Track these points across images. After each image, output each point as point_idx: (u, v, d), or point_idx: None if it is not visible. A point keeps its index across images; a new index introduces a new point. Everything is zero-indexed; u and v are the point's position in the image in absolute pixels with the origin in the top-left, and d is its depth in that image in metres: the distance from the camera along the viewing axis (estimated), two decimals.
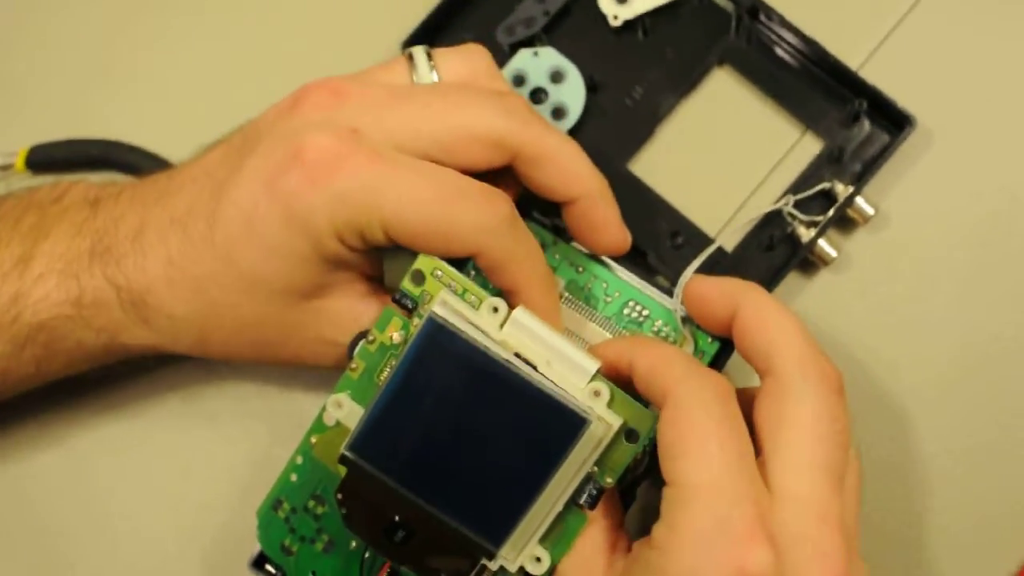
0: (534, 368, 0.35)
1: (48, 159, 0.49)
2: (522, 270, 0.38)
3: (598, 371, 0.36)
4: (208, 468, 0.45)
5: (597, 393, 0.35)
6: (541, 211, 0.43)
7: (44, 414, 0.46)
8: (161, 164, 0.48)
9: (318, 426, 0.38)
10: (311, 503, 0.39)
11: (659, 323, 0.42)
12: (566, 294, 0.42)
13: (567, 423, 0.35)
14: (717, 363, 0.41)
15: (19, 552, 0.45)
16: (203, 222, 0.39)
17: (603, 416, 0.35)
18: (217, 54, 0.50)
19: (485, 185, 0.38)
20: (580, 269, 0.43)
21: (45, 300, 0.40)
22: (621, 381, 0.37)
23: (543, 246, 0.42)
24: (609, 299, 0.42)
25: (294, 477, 0.39)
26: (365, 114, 0.38)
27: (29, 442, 0.46)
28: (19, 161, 0.49)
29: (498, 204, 0.38)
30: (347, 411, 0.37)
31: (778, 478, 0.34)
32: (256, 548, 0.39)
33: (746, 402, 0.38)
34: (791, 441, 0.34)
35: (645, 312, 0.42)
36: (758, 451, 0.35)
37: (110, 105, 0.50)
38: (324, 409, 0.38)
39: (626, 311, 0.42)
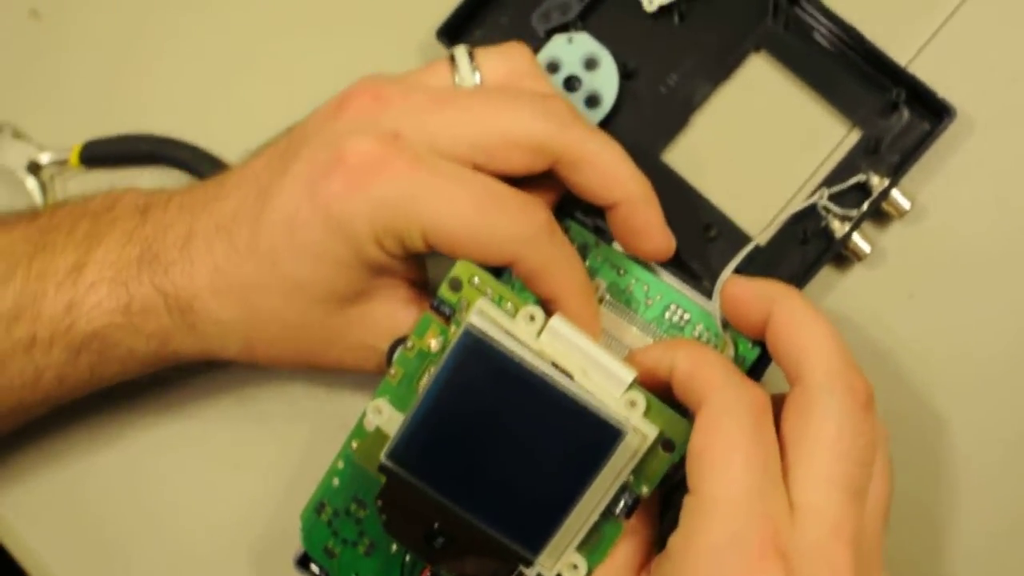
0: (570, 377, 0.36)
1: (101, 154, 0.49)
2: (560, 279, 0.38)
3: (634, 380, 0.36)
4: (258, 466, 0.46)
5: (633, 403, 0.36)
6: (583, 211, 0.43)
7: (100, 417, 0.47)
8: (212, 161, 0.48)
9: (359, 431, 0.39)
10: (353, 507, 0.40)
11: (700, 327, 0.42)
12: (607, 297, 0.42)
13: (603, 433, 0.35)
14: (757, 369, 0.41)
15: (78, 548, 0.46)
16: (247, 228, 0.39)
17: (639, 426, 0.35)
18: (262, 51, 0.50)
19: (523, 194, 0.38)
20: (622, 271, 0.43)
21: (98, 308, 0.40)
22: (659, 388, 0.37)
23: (585, 247, 0.42)
24: (650, 302, 0.42)
25: (336, 481, 0.40)
26: (407, 118, 0.38)
27: (86, 444, 0.47)
28: (73, 156, 0.49)
29: (536, 213, 0.38)
30: (387, 417, 0.38)
31: (796, 492, 0.34)
32: (300, 548, 0.40)
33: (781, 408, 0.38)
34: (811, 456, 0.35)
35: (687, 316, 0.42)
36: (782, 461, 0.35)
37: (162, 101, 0.50)
38: (364, 414, 0.38)
39: (667, 315, 0.42)
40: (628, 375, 0.36)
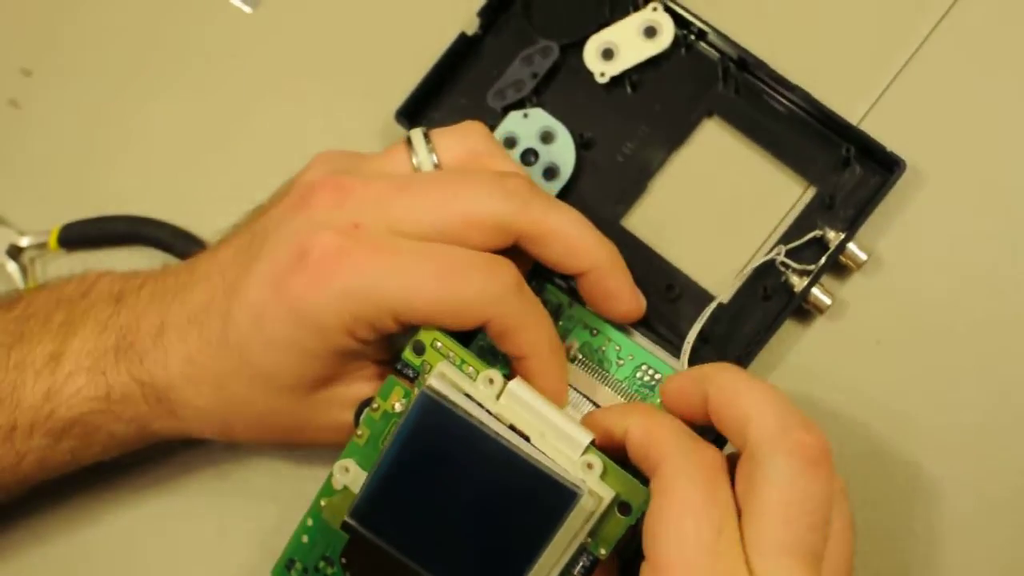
0: (527, 440, 0.36)
1: (79, 236, 0.51)
2: (530, 336, 0.39)
3: (591, 443, 0.36)
4: (239, 533, 0.47)
5: (590, 466, 0.36)
6: (561, 275, 0.44)
7: (85, 495, 0.47)
8: (187, 238, 0.49)
9: (327, 490, 0.39)
10: (321, 564, 0.40)
11: None
12: (579, 356, 0.43)
13: (559, 495, 0.35)
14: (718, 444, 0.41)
15: None
16: (218, 322, 0.40)
17: (595, 489, 0.36)
18: (229, 132, 0.52)
19: (487, 255, 0.38)
20: (595, 332, 0.43)
21: (77, 396, 0.41)
22: (618, 453, 0.37)
23: (559, 308, 0.43)
24: (622, 362, 0.43)
25: (305, 539, 0.40)
26: (367, 208, 0.39)
27: (70, 521, 0.47)
28: (52, 240, 0.51)
29: (502, 272, 0.38)
30: (353, 476, 0.39)
31: (752, 560, 0.34)
32: None
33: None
34: (761, 523, 0.34)
35: (657, 376, 0.43)
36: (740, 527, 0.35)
37: (138, 183, 0.52)
38: (332, 474, 0.39)
39: (639, 374, 0.43)
40: (585, 438, 0.36)
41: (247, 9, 0.53)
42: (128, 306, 0.42)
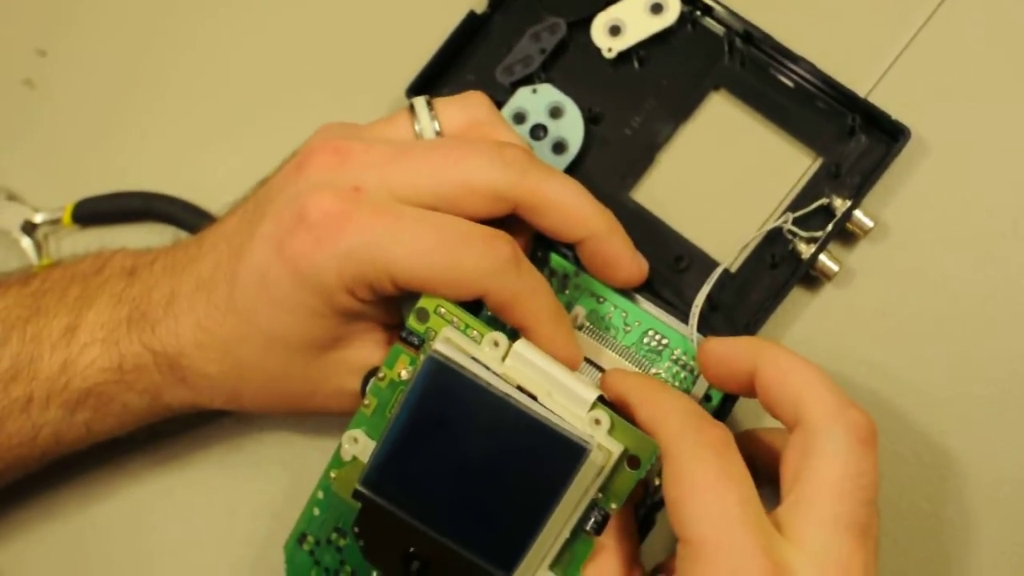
0: (535, 399, 0.37)
1: (93, 213, 0.52)
2: (529, 308, 0.39)
3: (598, 399, 0.37)
4: (250, 508, 0.47)
5: (597, 421, 0.36)
6: (563, 243, 0.44)
7: (98, 470, 0.48)
8: (200, 214, 0.50)
9: (336, 461, 0.40)
10: (334, 535, 0.41)
11: (678, 351, 0.43)
12: (587, 324, 0.44)
13: (568, 451, 0.36)
14: (727, 402, 0.42)
15: None
16: (225, 287, 0.41)
17: (603, 443, 0.36)
18: (241, 110, 0.53)
19: (487, 228, 0.39)
20: (600, 299, 0.44)
21: (91, 367, 0.42)
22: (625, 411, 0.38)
23: (565, 276, 0.44)
24: (629, 328, 0.44)
25: (316, 511, 0.41)
26: (367, 172, 0.40)
27: (83, 497, 0.48)
28: (66, 216, 0.52)
29: (500, 246, 0.39)
30: (362, 446, 0.39)
31: (799, 531, 0.34)
32: None
33: (756, 443, 0.39)
34: (816, 496, 0.35)
35: (664, 341, 0.43)
36: (781, 500, 0.36)
37: (151, 160, 0.53)
38: (341, 445, 0.39)
39: (645, 340, 0.43)
40: (591, 395, 0.37)
41: None
42: (141, 279, 0.43)
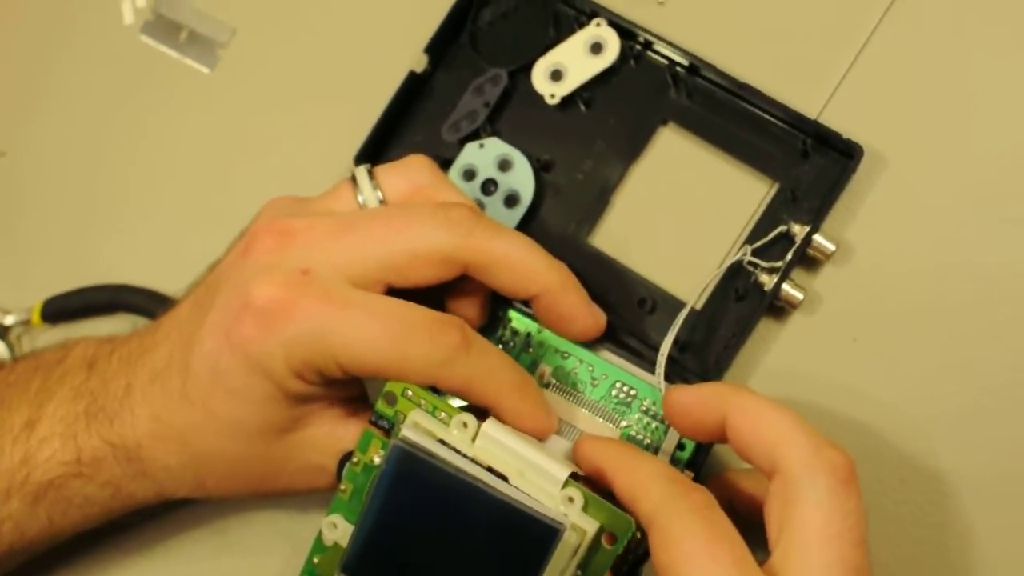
0: (506, 480, 0.36)
1: (61, 310, 0.51)
2: (487, 388, 0.39)
3: (571, 476, 0.36)
4: None
5: (571, 499, 0.36)
6: (523, 301, 0.44)
7: (86, 558, 0.48)
8: (166, 301, 0.50)
9: (318, 547, 0.40)
10: None
11: (647, 402, 0.43)
12: (553, 381, 0.43)
13: (542, 533, 0.35)
14: (701, 450, 0.42)
15: None
16: (178, 377, 0.40)
17: (577, 522, 0.36)
18: (199, 191, 0.53)
19: (435, 315, 0.39)
20: (565, 355, 0.44)
21: (51, 460, 0.42)
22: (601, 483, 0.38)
23: (528, 335, 0.44)
24: (596, 382, 0.43)
25: None
26: (313, 251, 0.40)
27: None
28: (35, 316, 0.52)
29: (448, 334, 0.38)
30: (341, 531, 0.39)
31: None
32: None
33: (733, 487, 0.39)
34: (802, 546, 0.34)
35: (632, 392, 0.43)
36: (770, 550, 0.35)
37: (114, 250, 0.53)
38: (321, 531, 0.39)
39: (614, 392, 0.43)
40: (563, 472, 0.37)
41: (205, 70, 0.54)
42: (99, 372, 0.43)
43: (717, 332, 0.45)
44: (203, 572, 0.48)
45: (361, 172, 0.43)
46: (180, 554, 0.48)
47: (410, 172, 0.43)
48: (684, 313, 0.44)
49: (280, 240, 0.40)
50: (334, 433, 0.41)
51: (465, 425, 0.37)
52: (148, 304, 0.50)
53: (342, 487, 0.39)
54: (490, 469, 0.37)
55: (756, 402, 0.37)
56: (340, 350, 0.38)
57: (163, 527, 0.48)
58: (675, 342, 0.44)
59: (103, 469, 0.42)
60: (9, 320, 0.52)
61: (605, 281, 0.45)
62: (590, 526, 0.36)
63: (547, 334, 0.44)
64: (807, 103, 0.46)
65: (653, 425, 0.43)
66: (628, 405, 0.43)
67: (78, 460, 0.42)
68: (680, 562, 0.34)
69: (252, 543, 0.48)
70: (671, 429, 0.42)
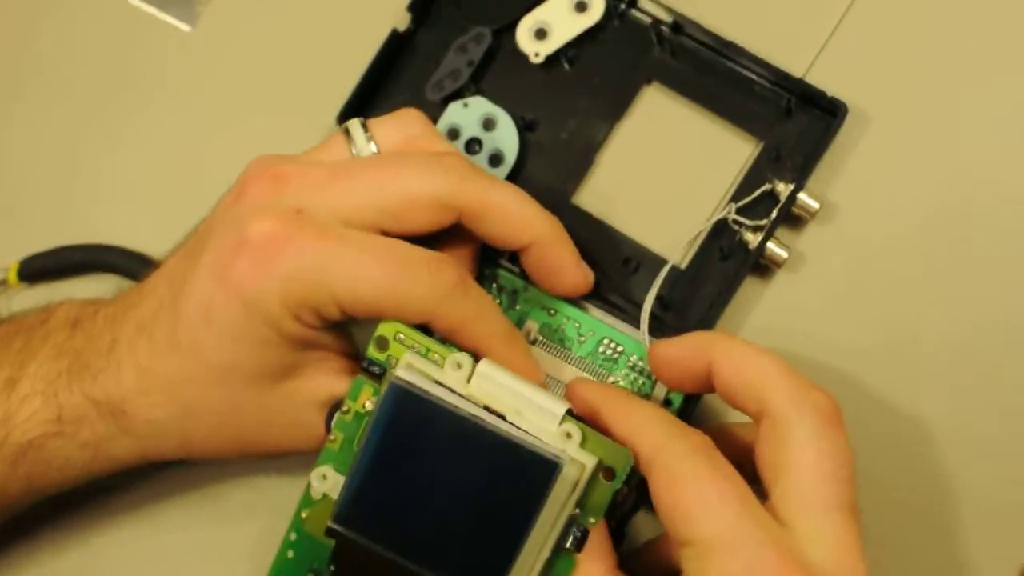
0: (503, 418, 0.36)
1: (39, 269, 0.50)
2: (479, 331, 0.39)
3: (568, 412, 0.36)
4: (221, 552, 0.46)
5: (568, 435, 0.36)
6: (509, 258, 0.44)
7: (58, 522, 0.47)
8: (144, 261, 0.49)
9: (307, 500, 0.39)
10: None
11: (634, 358, 0.43)
12: (540, 338, 0.43)
13: (541, 468, 0.35)
14: (689, 403, 0.42)
15: None
16: (166, 324, 0.40)
17: (576, 457, 0.36)
18: (177, 151, 0.51)
19: (432, 253, 0.39)
20: (552, 312, 0.43)
21: (31, 419, 0.41)
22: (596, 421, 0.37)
23: (514, 292, 0.43)
24: (583, 339, 0.43)
25: (290, 554, 0.40)
26: (308, 194, 0.39)
27: (42, 551, 0.47)
28: (11, 275, 0.50)
29: (445, 271, 0.38)
30: (332, 483, 0.38)
31: (792, 520, 0.34)
32: None
33: (730, 441, 0.39)
34: (798, 485, 0.35)
35: (619, 348, 0.43)
36: (764, 495, 0.35)
37: (92, 210, 0.51)
38: (310, 483, 0.38)
39: (601, 349, 0.43)
40: (560, 408, 0.36)
41: (185, 28, 0.53)
42: (83, 329, 0.42)
43: (702, 291, 0.45)
44: (183, 538, 0.47)
45: (355, 124, 0.42)
46: (160, 519, 0.47)
47: (403, 124, 0.43)
48: (666, 269, 0.44)
49: (274, 184, 0.40)
50: (329, 387, 0.40)
51: (459, 365, 0.37)
52: (127, 264, 0.49)
53: (331, 437, 0.39)
54: (486, 408, 0.36)
55: (740, 347, 0.37)
56: (339, 286, 0.37)
57: (143, 491, 0.47)
58: (659, 299, 0.44)
59: (84, 428, 0.41)
60: None
61: (590, 240, 0.44)
62: (589, 460, 0.36)
63: (533, 290, 0.43)
64: (792, 62, 0.46)
65: (640, 381, 0.43)
66: (615, 361, 0.43)
67: (59, 419, 0.41)
68: (686, 501, 0.34)
69: (232, 508, 0.47)
70: (657, 384, 0.42)
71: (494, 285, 0.44)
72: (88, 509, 0.47)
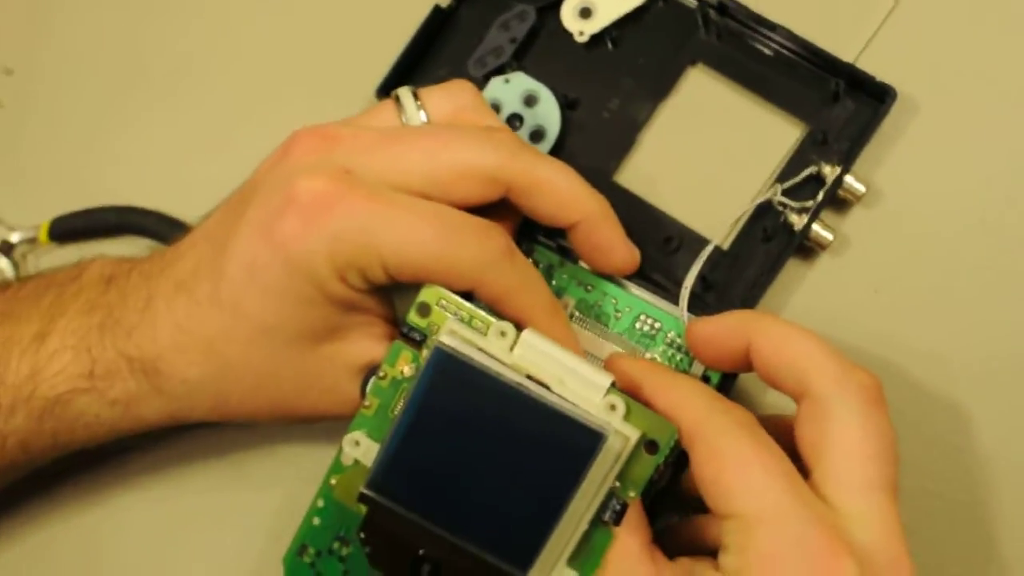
0: (547, 388, 0.35)
1: (69, 229, 0.50)
2: (524, 301, 0.38)
3: (612, 385, 0.35)
4: (242, 521, 0.46)
5: (613, 407, 0.35)
6: (546, 234, 0.43)
7: (81, 481, 0.47)
8: (175, 225, 0.49)
9: (337, 467, 0.38)
10: (336, 545, 0.39)
11: (671, 334, 0.42)
12: (577, 314, 0.43)
13: (584, 439, 0.34)
14: (726, 381, 0.41)
15: None
16: (208, 282, 0.39)
17: (620, 429, 0.35)
18: (213, 120, 0.51)
19: (481, 220, 0.38)
20: (589, 288, 0.43)
21: (61, 374, 0.40)
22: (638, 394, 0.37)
23: (550, 268, 0.43)
24: (620, 315, 0.42)
25: (317, 521, 0.39)
26: (357, 156, 0.39)
27: (67, 510, 0.47)
28: (42, 234, 0.50)
29: (495, 238, 0.38)
30: (364, 449, 0.37)
31: (835, 500, 0.34)
32: None
33: (772, 429, 0.38)
34: (842, 464, 0.34)
35: (657, 325, 0.42)
36: (805, 474, 0.35)
37: (126, 173, 0.51)
38: (341, 450, 0.38)
39: (638, 325, 0.42)
40: (605, 380, 0.35)
41: None
42: (117, 286, 0.41)
43: (743, 272, 0.44)
44: (202, 501, 0.47)
45: (405, 92, 0.42)
46: (180, 482, 0.47)
47: (454, 95, 0.42)
48: (709, 248, 0.43)
49: (323, 143, 0.39)
50: (371, 352, 0.40)
51: (503, 334, 0.36)
52: (159, 227, 0.49)
53: (366, 403, 0.38)
54: (529, 377, 0.35)
55: (780, 326, 0.37)
56: (387, 249, 0.37)
57: (164, 453, 0.47)
58: (701, 279, 0.43)
59: (116, 384, 0.40)
60: (15, 237, 0.51)
61: (631, 219, 0.43)
62: (632, 433, 0.35)
63: (570, 266, 0.43)
64: (842, 47, 0.45)
65: (678, 357, 0.42)
66: (652, 338, 0.42)
67: (91, 373, 0.40)
68: (729, 475, 0.34)
69: (253, 474, 0.46)
70: (695, 362, 0.42)
71: (530, 260, 0.43)
72: (109, 467, 0.47)
